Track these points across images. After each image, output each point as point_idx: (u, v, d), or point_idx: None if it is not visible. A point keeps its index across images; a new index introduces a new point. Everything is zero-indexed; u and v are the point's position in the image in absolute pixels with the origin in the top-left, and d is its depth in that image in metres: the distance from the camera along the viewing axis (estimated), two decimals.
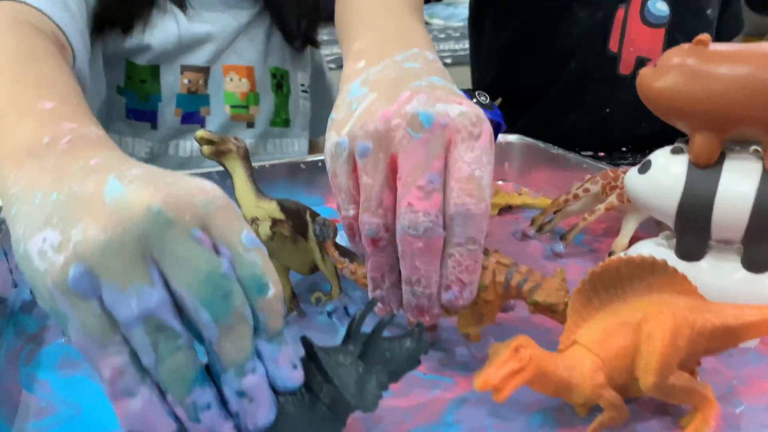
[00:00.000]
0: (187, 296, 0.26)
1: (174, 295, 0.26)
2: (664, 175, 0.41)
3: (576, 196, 0.57)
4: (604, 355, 0.33)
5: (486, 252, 0.38)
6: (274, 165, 0.65)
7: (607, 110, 0.84)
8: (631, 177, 0.43)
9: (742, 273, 0.41)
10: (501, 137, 0.72)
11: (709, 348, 0.34)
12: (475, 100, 0.53)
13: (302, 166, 0.66)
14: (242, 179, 0.42)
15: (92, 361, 0.26)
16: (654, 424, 0.35)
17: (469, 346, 0.42)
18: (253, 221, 0.43)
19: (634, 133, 0.84)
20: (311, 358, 0.31)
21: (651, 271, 0.34)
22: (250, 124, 0.77)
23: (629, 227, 0.52)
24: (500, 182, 0.71)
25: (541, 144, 0.69)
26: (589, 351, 0.33)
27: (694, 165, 0.40)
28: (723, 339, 0.34)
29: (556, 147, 0.67)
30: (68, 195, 0.27)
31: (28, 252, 0.27)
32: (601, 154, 0.83)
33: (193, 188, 0.27)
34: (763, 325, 0.34)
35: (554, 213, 0.59)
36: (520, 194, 0.65)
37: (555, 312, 0.37)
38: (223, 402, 0.28)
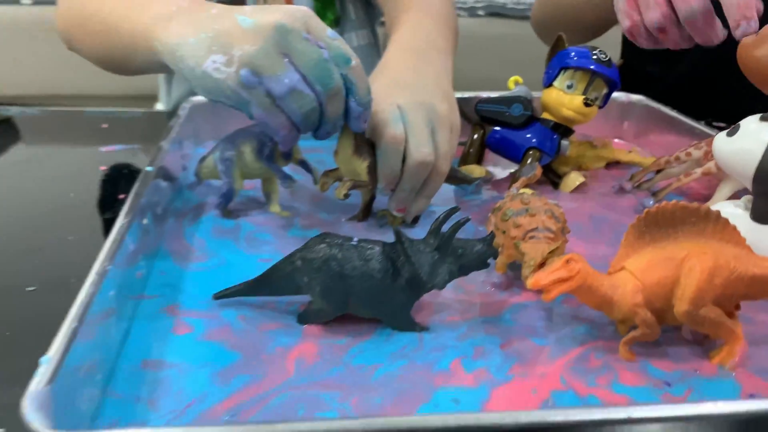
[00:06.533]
0: (308, 75, 0.41)
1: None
2: (749, 138, 0.44)
3: (678, 159, 0.59)
4: (646, 281, 0.38)
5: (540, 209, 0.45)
6: None
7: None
8: (719, 139, 0.46)
9: None
10: (624, 95, 0.75)
11: (748, 293, 0.38)
12: (595, 57, 0.57)
13: None
14: (349, 146, 0.49)
15: (268, 125, 0.43)
16: (684, 351, 0.40)
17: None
18: (331, 176, 0.52)
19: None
20: (399, 242, 0.39)
21: (704, 218, 0.38)
22: None
23: (723, 193, 0.55)
24: (615, 140, 0.75)
25: (662, 107, 0.71)
26: (633, 276, 0.39)
27: None
28: (761, 288, 0.38)
29: (675, 111, 0.69)
30: (214, 32, 0.42)
31: (205, 72, 0.42)
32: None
33: (292, 9, 0.42)
34: None
35: (656, 173, 0.62)
36: (630, 152, 0.68)
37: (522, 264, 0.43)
38: None
